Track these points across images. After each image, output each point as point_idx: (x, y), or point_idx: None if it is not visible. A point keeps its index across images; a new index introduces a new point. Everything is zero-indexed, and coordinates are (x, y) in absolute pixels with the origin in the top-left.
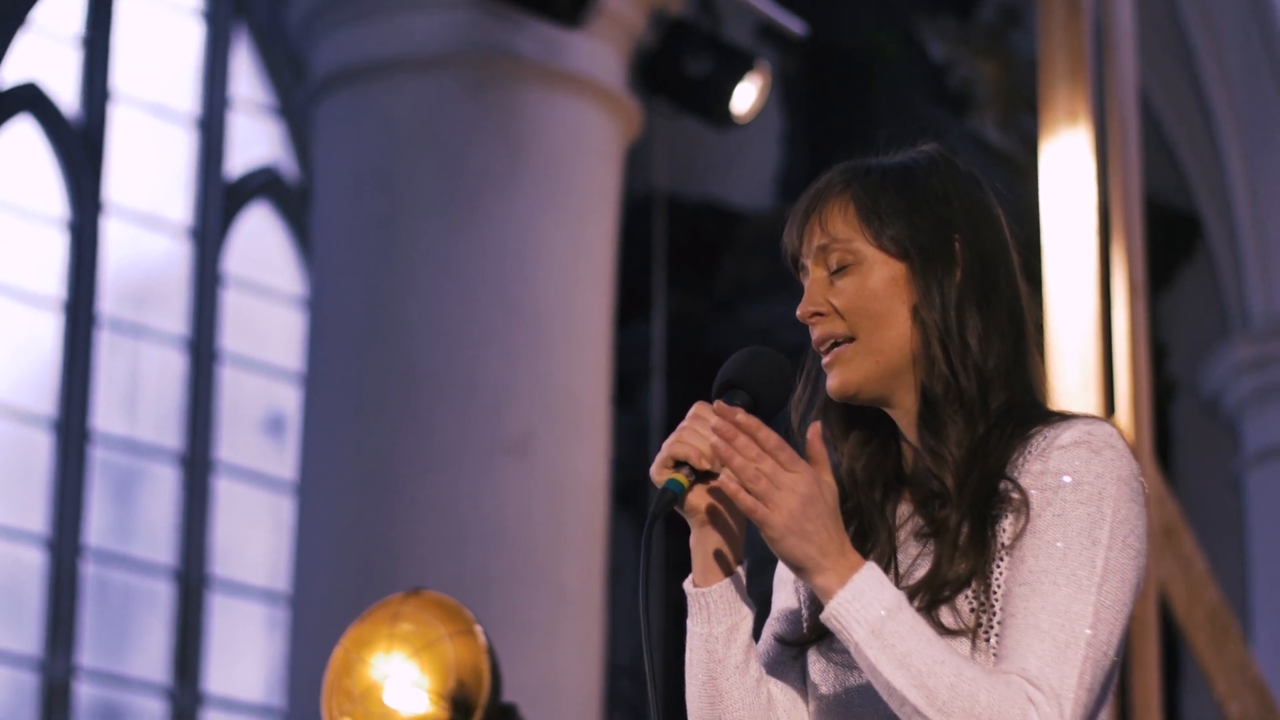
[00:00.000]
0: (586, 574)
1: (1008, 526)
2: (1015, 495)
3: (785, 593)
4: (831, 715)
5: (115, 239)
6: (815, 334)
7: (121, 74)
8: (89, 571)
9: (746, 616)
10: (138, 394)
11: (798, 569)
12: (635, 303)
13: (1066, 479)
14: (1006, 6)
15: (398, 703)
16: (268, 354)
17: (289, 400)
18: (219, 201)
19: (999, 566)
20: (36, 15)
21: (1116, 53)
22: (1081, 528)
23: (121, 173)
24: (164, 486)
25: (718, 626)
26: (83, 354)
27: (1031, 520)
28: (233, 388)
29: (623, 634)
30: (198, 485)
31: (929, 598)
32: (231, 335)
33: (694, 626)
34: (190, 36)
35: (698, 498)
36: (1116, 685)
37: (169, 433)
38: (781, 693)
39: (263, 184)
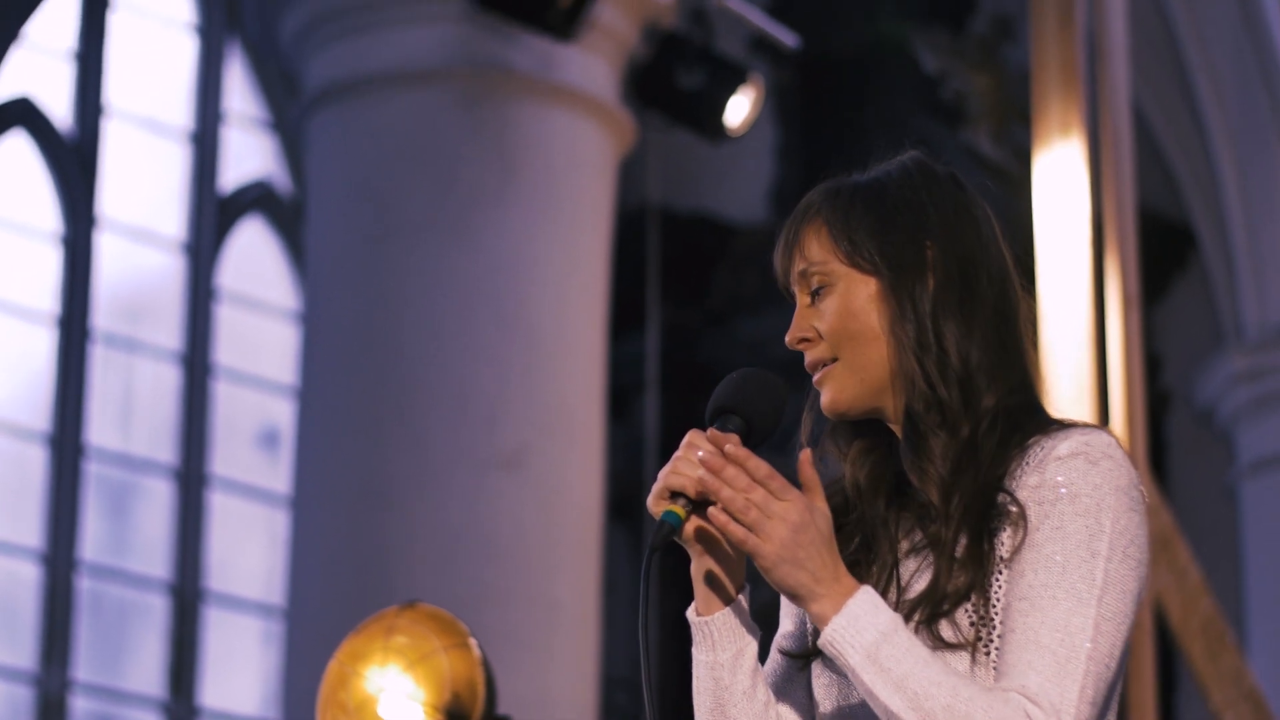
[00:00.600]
0: (581, 587)
1: (1006, 540)
2: (1013, 508)
3: (790, 611)
4: None
5: (109, 254)
6: (806, 360)
7: (114, 89)
8: (84, 586)
9: (751, 642)
10: (132, 408)
11: (793, 597)
12: (629, 316)
13: (1064, 491)
14: (999, 19)
15: (393, 716)
16: (262, 368)
17: (283, 414)
18: (212, 216)
19: (998, 580)
20: (29, 30)
21: (1109, 64)
22: (1080, 540)
23: (115, 187)
24: (159, 501)
25: (723, 654)
26: (77, 369)
27: (1029, 533)
28: (227, 402)
29: (618, 647)
30: (192, 499)
31: (928, 611)
32: (225, 349)
33: (699, 655)
34: (183, 51)
35: (695, 528)
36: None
37: (163, 447)
38: (790, 713)
39: (256, 198)
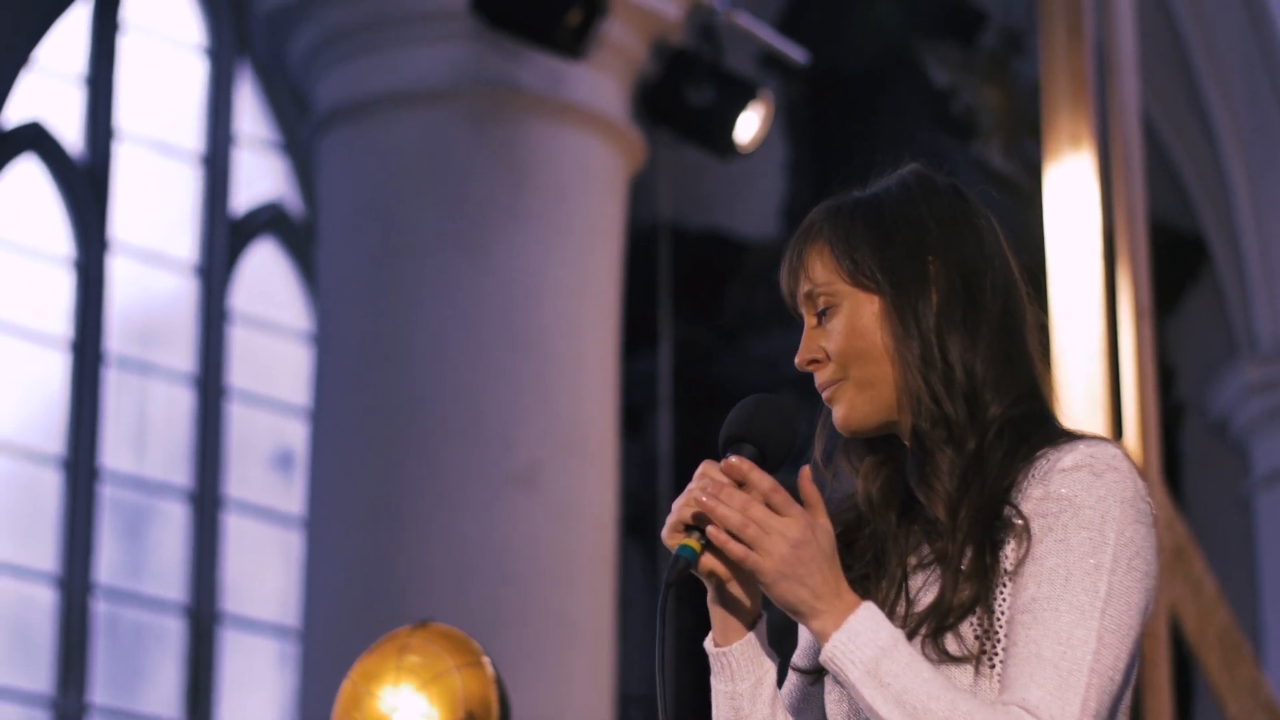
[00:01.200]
0: (596, 604)
1: (1010, 552)
2: (1017, 521)
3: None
4: None
5: (121, 277)
6: (816, 381)
7: (125, 112)
8: (100, 609)
9: (770, 670)
10: (146, 431)
11: (794, 613)
12: (641, 333)
13: (1067, 503)
14: (1009, 33)
15: None
16: (275, 390)
17: (297, 435)
18: (224, 238)
19: (1002, 593)
20: (40, 54)
21: (1119, 76)
22: (1083, 552)
23: (127, 211)
24: (173, 523)
25: (741, 684)
26: (90, 392)
27: (1033, 546)
28: (241, 424)
29: (633, 664)
30: (207, 522)
31: (934, 625)
32: (239, 371)
33: (718, 685)
34: (193, 73)
35: (711, 559)
36: (1128, 708)
37: (178, 470)
38: None
39: (268, 220)
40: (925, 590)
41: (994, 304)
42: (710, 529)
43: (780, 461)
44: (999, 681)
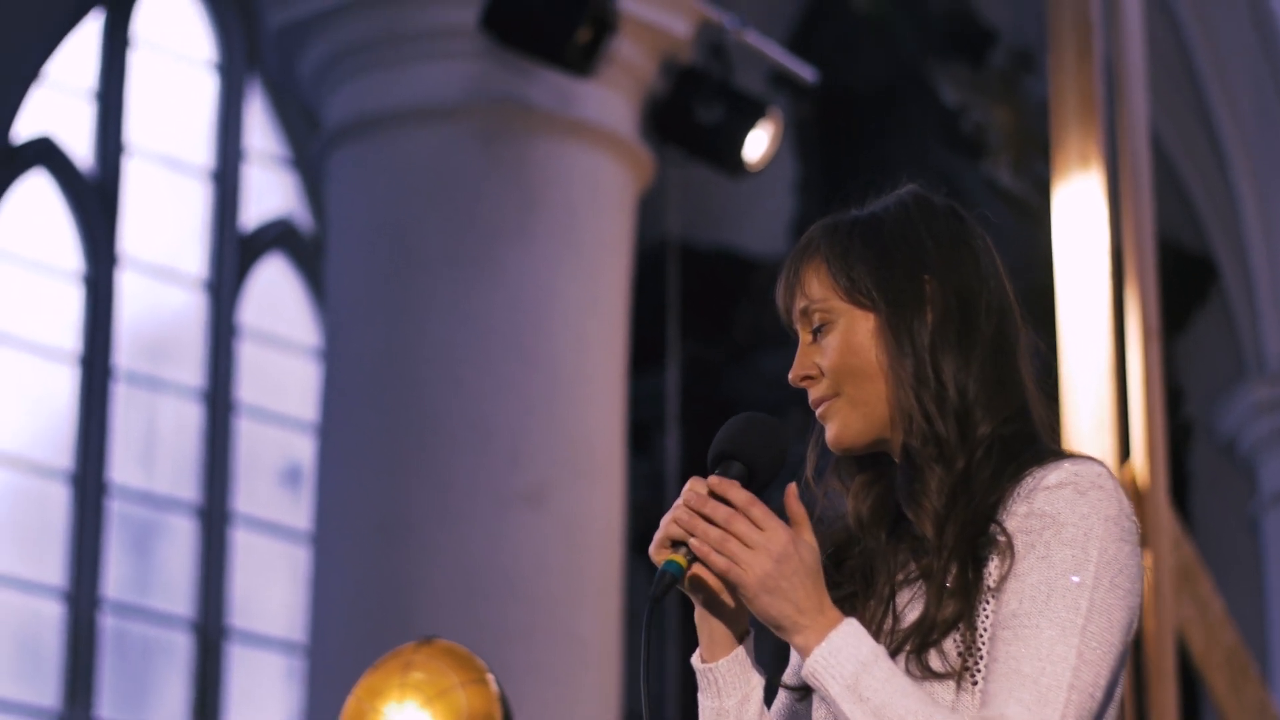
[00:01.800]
0: (603, 622)
1: (994, 569)
2: (1001, 538)
3: None
4: None
5: (130, 292)
6: (809, 397)
7: (135, 127)
8: (107, 624)
9: (757, 685)
10: (154, 446)
11: (776, 628)
12: (650, 351)
13: (1051, 520)
14: (1019, 52)
15: None
16: (284, 405)
17: (305, 451)
18: (234, 253)
19: (985, 609)
20: (50, 69)
21: (1128, 95)
22: (1066, 569)
23: (136, 226)
24: (181, 538)
25: (728, 700)
26: (99, 407)
27: (1015, 563)
28: (249, 439)
29: (640, 681)
30: (215, 537)
31: (918, 641)
32: (247, 387)
33: (705, 701)
34: (203, 89)
35: (698, 574)
36: None
37: (186, 485)
38: None
39: (277, 236)
40: (910, 607)
41: (988, 325)
42: (693, 541)
43: (769, 480)
44: (980, 697)
